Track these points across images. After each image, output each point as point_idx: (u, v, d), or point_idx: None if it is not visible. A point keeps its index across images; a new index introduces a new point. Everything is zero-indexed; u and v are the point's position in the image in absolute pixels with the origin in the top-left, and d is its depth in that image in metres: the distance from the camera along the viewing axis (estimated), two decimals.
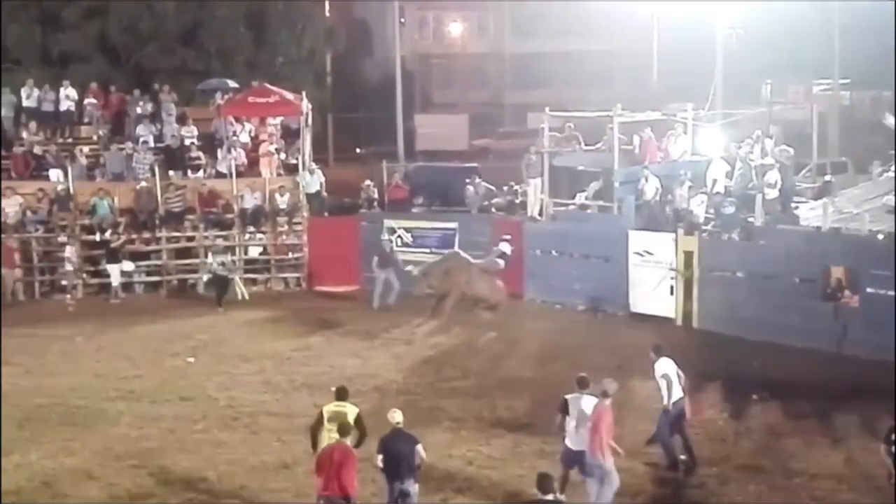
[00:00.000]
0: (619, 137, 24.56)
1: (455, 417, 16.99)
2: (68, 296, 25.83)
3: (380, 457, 12.09)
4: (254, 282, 27.06)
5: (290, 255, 27.43)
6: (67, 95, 30.04)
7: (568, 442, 13.26)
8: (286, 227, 27.56)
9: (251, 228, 27.49)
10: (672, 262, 22.55)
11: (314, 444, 12.71)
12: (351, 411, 12.77)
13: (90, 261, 26.44)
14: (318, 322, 23.41)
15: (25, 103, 29.73)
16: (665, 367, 14.57)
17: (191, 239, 27.22)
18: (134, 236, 26.73)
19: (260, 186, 27.69)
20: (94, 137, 29.70)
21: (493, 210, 27.11)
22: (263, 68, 39.28)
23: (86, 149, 29.01)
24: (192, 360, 20.60)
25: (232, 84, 32.90)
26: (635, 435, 15.09)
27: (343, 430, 12.10)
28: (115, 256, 26.03)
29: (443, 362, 20.39)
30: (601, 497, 12.93)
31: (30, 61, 38.29)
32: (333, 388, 13.44)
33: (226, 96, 31.05)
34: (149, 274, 27.04)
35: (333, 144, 48.84)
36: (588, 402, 13.11)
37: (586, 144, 26.26)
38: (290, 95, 29.84)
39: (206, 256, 26.40)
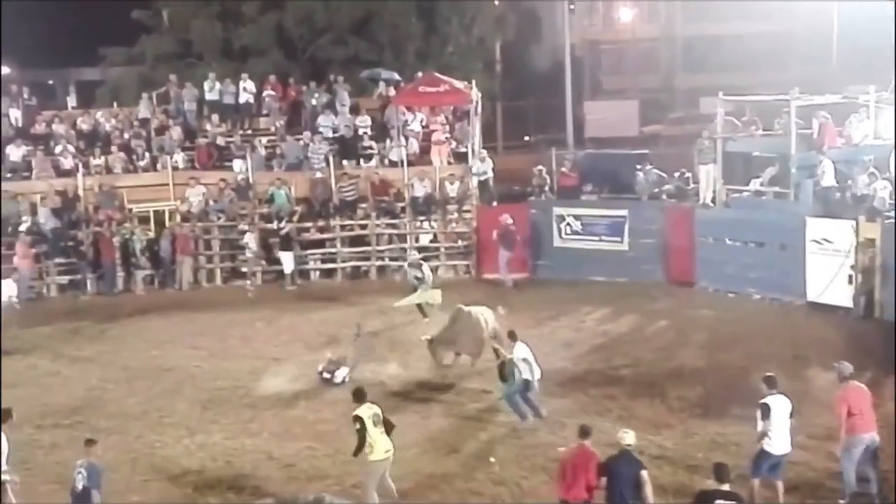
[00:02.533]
0: (797, 122, 23.80)
1: (625, 406, 16.87)
2: (248, 282, 26.70)
3: (603, 479, 11.73)
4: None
5: (460, 242, 27.65)
6: (246, 88, 31.07)
7: (771, 447, 12.76)
8: (456, 215, 27.80)
9: (421, 217, 27.85)
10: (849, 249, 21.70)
11: (360, 449, 13.00)
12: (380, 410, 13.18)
13: (268, 248, 27.21)
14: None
15: (208, 96, 30.90)
16: (523, 351, 15.88)
17: (363, 227, 27.75)
18: (309, 224, 27.47)
19: (430, 175, 28.03)
20: (272, 128, 30.68)
21: (664, 197, 26.69)
22: (434, 58, 39.71)
23: (264, 139, 30.01)
24: None
25: (387, 74, 33.34)
26: (813, 428, 14.68)
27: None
28: (288, 244, 26.79)
29: (612, 350, 20.22)
30: None
31: (211, 56, 39.75)
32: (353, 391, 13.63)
33: (389, 87, 31.58)
34: (324, 261, 27.69)
35: (502, 132, 49.00)
36: (782, 403, 12.78)
37: (760, 129, 25.60)
38: (459, 84, 30.06)
39: (376, 244, 26.95)
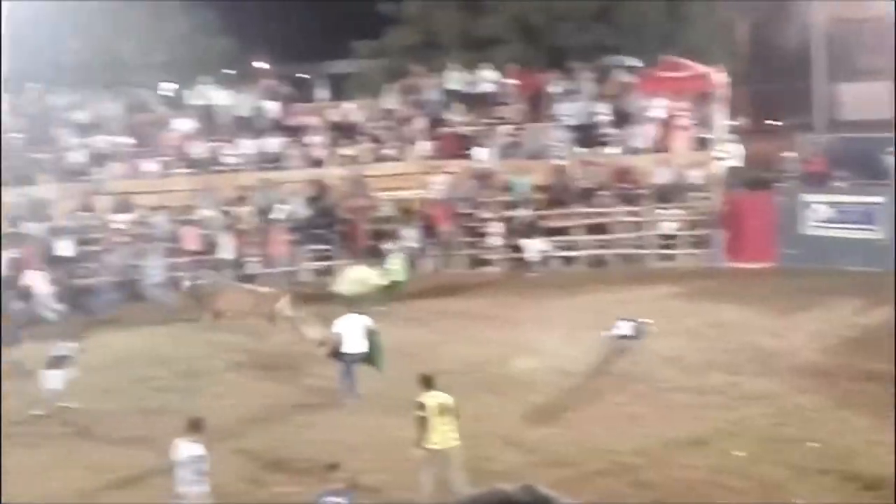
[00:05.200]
0: None
1: (880, 402, 16.13)
2: (491, 269, 27.12)
3: None
4: (666, 257, 27.06)
5: (703, 230, 27.12)
6: (487, 77, 31.52)
7: None
8: (699, 203, 27.29)
9: (663, 204, 27.48)
10: None
11: (425, 438, 12.93)
12: (449, 399, 13.07)
13: (509, 236, 27.52)
14: (732, 298, 22.97)
15: (450, 86, 31.53)
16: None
17: (603, 215, 27.65)
18: (549, 212, 27.62)
19: (672, 161, 27.62)
20: (513, 117, 30.99)
21: None
22: (676, 42, 38.95)
23: (505, 128, 30.35)
24: (606, 333, 20.89)
25: (628, 60, 32.91)
26: None
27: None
28: (529, 232, 27.02)
29: (866, 343, 19.36)
30: None
31: (454, 46, 40.44)
32: (421, 376, 13.63)
33: (630, 73, 31.26)
34: (564, 249, 27.77)
35: (746, 116, 47.52)
36: None
37: None
38: (703, 69, 29.45)
39: (617, 232, 26.81)
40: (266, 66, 35.52)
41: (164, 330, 22.05)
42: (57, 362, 17.20)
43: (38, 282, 24.87)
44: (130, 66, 38.49)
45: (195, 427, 12.57)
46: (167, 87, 34.95)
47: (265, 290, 22.19)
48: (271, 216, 27.58)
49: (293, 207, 27.68)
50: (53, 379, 17.07)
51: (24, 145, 29.06)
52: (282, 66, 35.91)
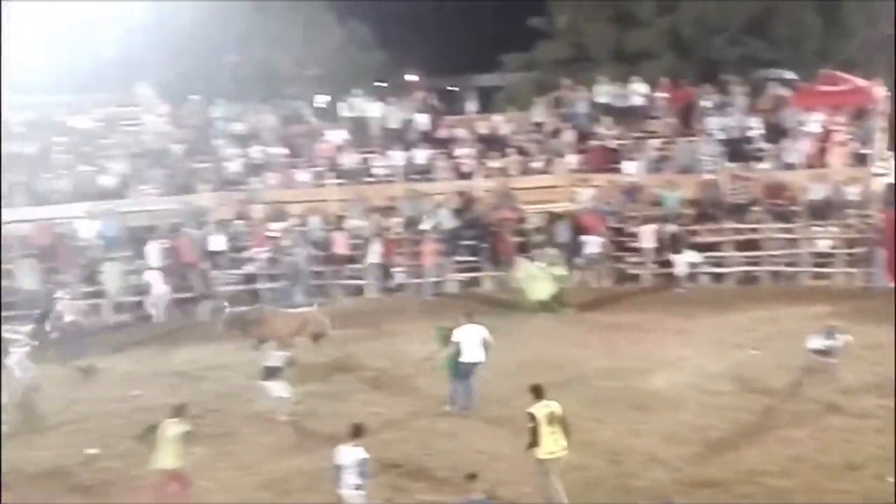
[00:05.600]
0: None
1: None
2: (638, 284, 26.85)
3: None
4: (820, 276, 26.26)
5: (860, 248, 26.21)
6: (637, 91, 31.24)
7: None
8: (856, 220, 26.40)
9: (818, 221, 26.69)
10: None
11: (532, 445, 13.27)
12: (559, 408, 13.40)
13: (658, 250, 27.13)
14: (890, 319, 22.07)
15: (599, 99, 31.36)
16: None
17: (755, 231, 27.03)
18: (699, 227, 27.16)
19: (829, 177, 26.83)
20: (663, 131, 30.62)
21: None
22: (835, 55, 37.91)
23: (655, 142, 30.02)
24: (756, 352, 20.49)
25: (782, 74, 32.13)
26: None
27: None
28: (678, 246, 26.61)
29: None
30: None
31: (604, 59, 40.26)
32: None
33: (784, 87, 30.49)
34: (714, 265, 27.23)
35: None
36: None
37: None
38: (862, 82, 28.54)
39: (769, 249, 26.16)
40: (417, 78, 36.04)
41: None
42: (271, 373, 17.64)
43: (157, 281, 25.85)
44: (286, 78, 39.61)
45: (357, 432, 12.99)
46: (321, 99, 35.86)
47: (308, 310, 22.27)
48: (419, 227, 27.89)
49: (441, 218, 27.93)
50: (277, 388, 17.55)
51: (185, 155, 30.15)
52: (432, 78, 36.42)
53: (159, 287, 25.85)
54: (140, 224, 27.37)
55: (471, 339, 17.63)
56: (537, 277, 24.59)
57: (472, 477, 12.24)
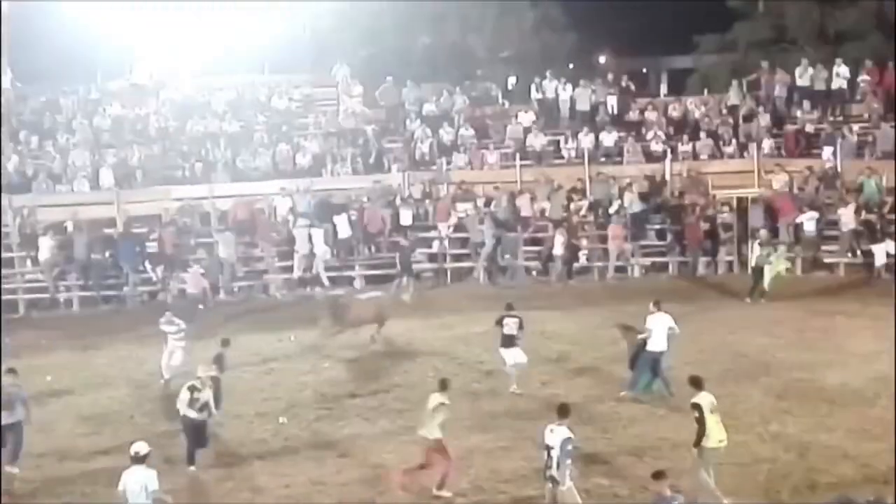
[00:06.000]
0: None
1: None
2: (831, 273, 25.94)
3: None
4: None
5: None
6: (839, 73, 30.09)
7: None
8: None
9: None
10: None
11: (701, 438, 13.08)
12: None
13: (854, 239, 26.06)
14: None
15: (799, 82, 30.37)
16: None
17: None
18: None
19: None
20: (865, 115, 29.41)
21: None
22: None
23: (856, 127, 28.86)
24: None
25: None
26: None
27: None
28: (877, 235, 25.53)
29: None
30: None
31: (805, 41, 38.88)
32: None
33: None
34: None
35: None
36: None
37: None
38: None
39: None
40: (608, 60, 35.74)
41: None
42: (509, 340, 17.99)
43: (318, 241, 26.53)
44: (478, 60, 39.87)
45: (564, 412, 12.88)
46: (511, 81, 35.98)
47: (378, 296, 22.41)
48: (606, 210, 27.69)
49: (628, 202, 27.64)
50: (514, 355, 17.96)
51: (377, 135, 30.80)
52: (623, 60, 35.99)
53: (321, 248, 26.69)
54: (333, 201, 28.12)
55: (658, 328, 17.44)
56: (770, 263, 23.96)
57: (659, 475, 11.84)
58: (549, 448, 12.55)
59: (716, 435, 13.25)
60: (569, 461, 12.50)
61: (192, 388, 15.11)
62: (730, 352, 19.81)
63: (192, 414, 15.02)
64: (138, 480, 11.79)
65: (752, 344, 20.39)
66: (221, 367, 16.48)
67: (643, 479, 13.42)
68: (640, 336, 17.68)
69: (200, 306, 23.64)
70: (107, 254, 26.38)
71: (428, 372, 19.10)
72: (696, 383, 13.71)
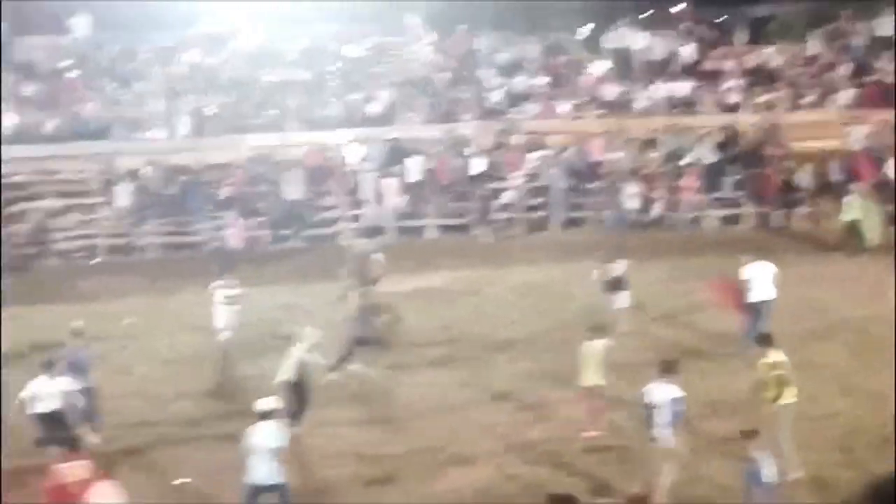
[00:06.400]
0: None
1: None
2: None
3: None
4: None
5: None
6: None
7: None
8: None
9: None
10: None
11: (778, 396, 12.77)
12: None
13: None
14: None
15: (879, 32, 29.62)
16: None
17: None
18: None
19: None
20: None
21: None
22: None
23: None
24: None
25: None
26: None
27: None
28: None
29: None
30: None
31: None
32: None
33: None
34: None
35: None
36: None
37: None
38: None
39: None
40: (684, 8, 35.12)
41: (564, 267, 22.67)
42: (615, 284, 18.26)
43: (390, 191, 26.69)
44: (551, 9, 39.36)
45: (670, 368, 12.44)
46: (585, 30, 35.51)
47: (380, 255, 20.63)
48: (681, 162, 27.36)
49: (702, 153, 27.28)
50: (620, 299, 18.23)
51: (449, 85, 30.68)
52: (700, 9, 35.28)
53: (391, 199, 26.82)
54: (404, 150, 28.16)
55: (761, 277, 17.15)
56: (870, 216, 23.63)
57: (750, 434, 11.42)
58: (651, 406, 12.19)
59: (787, 392, 12.98)
60: (675, 421, 12.07)
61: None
62: (807, 307, 19.48)
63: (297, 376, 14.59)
64: (266, 436, 11.73)
65: (830, 299, 20.08)
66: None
67: (712, 434, 13.37)
68: None
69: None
70: (178, 196, 26.79)
71: (497, 322, 19.19)
72: (766, 341, 13.41)
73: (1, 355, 16.83)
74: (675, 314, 19.51)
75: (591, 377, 14.18)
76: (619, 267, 18.33)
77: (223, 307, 17.09)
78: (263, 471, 11.64)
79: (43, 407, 13.47)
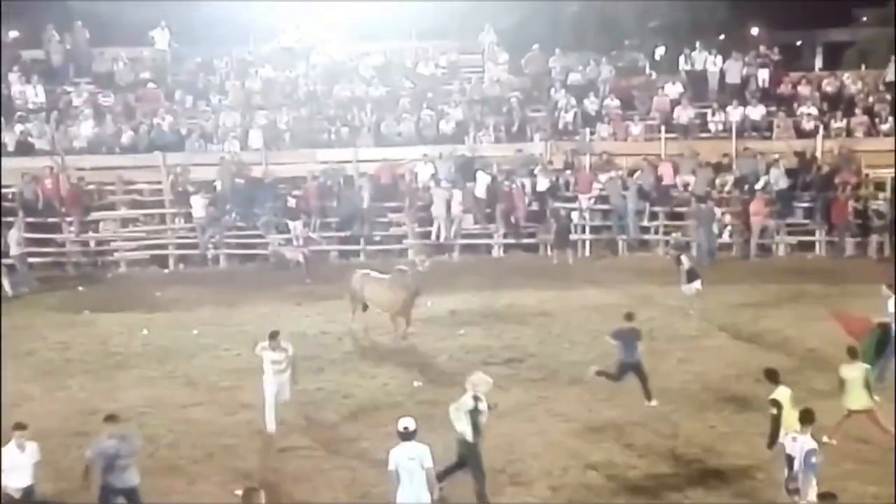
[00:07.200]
0: None
1: None
2: None
3: None
4: None
5: None
6: None
7: None
8: None
9: None
10: None
11: (775, 439, 12.18)
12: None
13: None
14: None
15: None
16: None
17: None
18: None
19: None
20: None
21: None
22: None
23: None
24: None
25: None
26: None
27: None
28: None
29: None
30: None
31: None
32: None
33: None
34: None
35: None
36: None
37: None
38: None
39: None
40: (760, 32, 34.81)
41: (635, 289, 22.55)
42: (691, 275, 20.27)
43: (457, 205, 27.09)
44: (626, 29, 39.31)
45: (808, 418, 11.53)
46: (659, 52, 35.37)
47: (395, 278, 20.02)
48: (753, 186, 27.07)
49: (775, 178, 26.97)
50: (694, 286, 20.30)
51: (521, 104, 30.71)
52: (776, 32, 34.99)
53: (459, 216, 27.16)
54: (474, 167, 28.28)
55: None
56: None
57: (808, 416, 11.40)
58: (790, 458, 11.41)
59: (792, 428, 11.91)
60: (812, 475, 11.24)
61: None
62: None
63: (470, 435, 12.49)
64: (411, 456, 11.12)
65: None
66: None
67: None
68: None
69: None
70: (249, 209, 27.24)
71: (563, 343, 19.16)
72: (773, 377, 12.77)
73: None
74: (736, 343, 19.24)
75: (851, 399, 13.70)
76: (684, 259, 20.66)
77: (271, 374, 15.18)
78: (411, 492, 11.10)
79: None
